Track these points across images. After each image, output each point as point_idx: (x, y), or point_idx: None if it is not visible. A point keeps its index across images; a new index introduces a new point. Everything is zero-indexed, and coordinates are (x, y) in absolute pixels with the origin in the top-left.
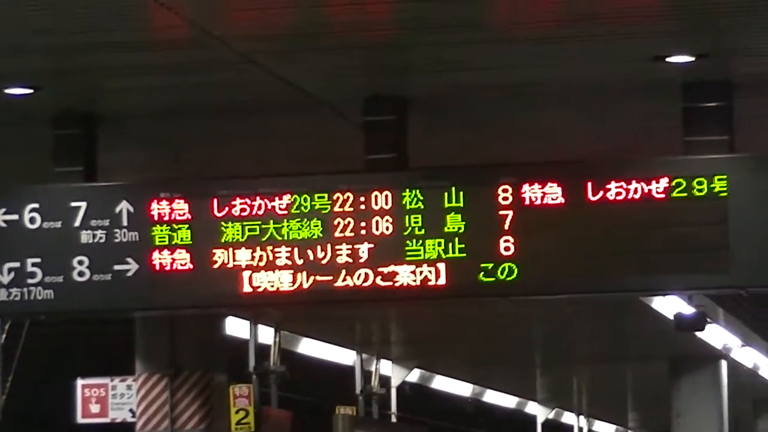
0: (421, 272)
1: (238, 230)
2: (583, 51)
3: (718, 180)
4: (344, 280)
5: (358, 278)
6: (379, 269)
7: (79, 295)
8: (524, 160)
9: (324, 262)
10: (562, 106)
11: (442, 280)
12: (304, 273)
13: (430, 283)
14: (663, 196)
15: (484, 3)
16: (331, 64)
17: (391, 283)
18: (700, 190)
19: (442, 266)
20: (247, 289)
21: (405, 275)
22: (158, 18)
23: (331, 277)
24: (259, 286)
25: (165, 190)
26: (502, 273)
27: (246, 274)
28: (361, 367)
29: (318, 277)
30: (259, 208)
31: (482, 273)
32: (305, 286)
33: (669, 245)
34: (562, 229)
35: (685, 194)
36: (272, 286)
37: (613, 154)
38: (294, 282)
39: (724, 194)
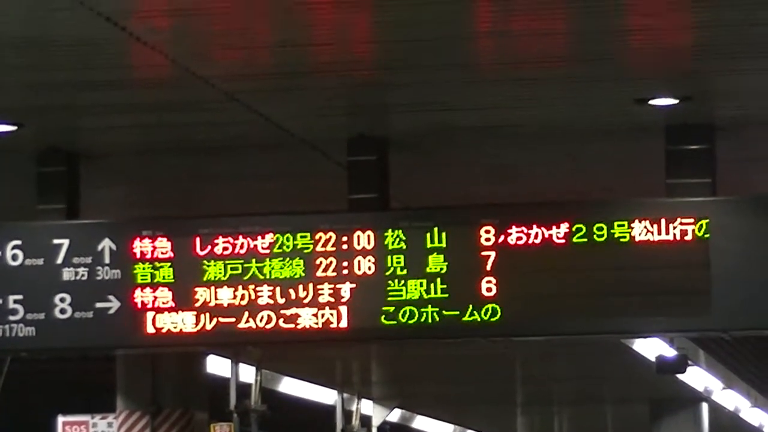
0: (322, 315)
1: (220, 269)
2: (565, 93)
3: (700, 223)
4: (247, 321)
5: (260, 320)
6: (281, 311)
7: (60, 333)
8: (507, 200)
9: (229, 303)
10: (544, 147)
11: (343, 323)
12: (207, 315)
13: (332, 326)
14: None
15: (467, 44)
16: (315, 104)
17: (293, 326)
18: (600, 236)
19: (344, 309)
20: (150, 330)
21: (307, 318)
22: (141, 57)
23: (234, 319)
24: (162, 327)
25: (147, 228)
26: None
27: (150, 315)
28: (341, 407)
29: (221, 319)
30: (242, 246)
31: (384, 316)
32: (208, 327)
33: (651, 288)
34: (542, 271)
35: (586, 239)
36: (175, 328)
37: (595, 195)
38: (197, 323)
39: (707, 237)
